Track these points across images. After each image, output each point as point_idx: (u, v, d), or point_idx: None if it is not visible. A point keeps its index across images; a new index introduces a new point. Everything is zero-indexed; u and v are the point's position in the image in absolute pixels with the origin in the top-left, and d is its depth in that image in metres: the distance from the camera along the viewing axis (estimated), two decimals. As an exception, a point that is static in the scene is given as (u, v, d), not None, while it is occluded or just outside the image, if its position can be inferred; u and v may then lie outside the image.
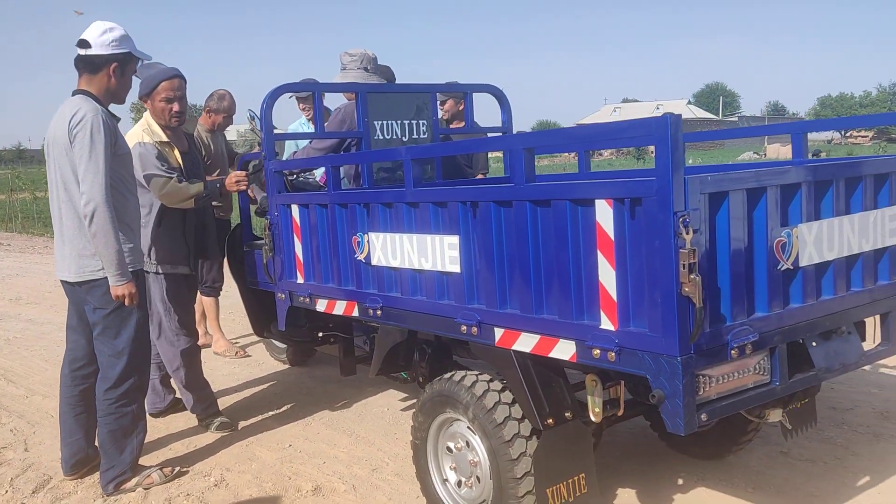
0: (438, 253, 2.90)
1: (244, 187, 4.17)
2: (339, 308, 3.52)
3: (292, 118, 6.14)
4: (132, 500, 3.49)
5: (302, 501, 3.43)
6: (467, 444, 2.95)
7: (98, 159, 3.25)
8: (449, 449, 3.06)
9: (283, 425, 4.38)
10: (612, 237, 2.26)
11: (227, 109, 5.41)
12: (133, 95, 3.91)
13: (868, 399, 4.33)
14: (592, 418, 2.71)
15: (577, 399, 2.83)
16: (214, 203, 4.73)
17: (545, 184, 2.54)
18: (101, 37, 3.37)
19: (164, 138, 4.01)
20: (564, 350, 2.47)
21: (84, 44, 3.37)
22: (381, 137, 4.17)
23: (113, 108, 3.54)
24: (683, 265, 2.05)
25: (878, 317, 2.77)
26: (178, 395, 4.51)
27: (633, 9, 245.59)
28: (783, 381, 2.38)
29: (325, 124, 4.25)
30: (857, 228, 2.57)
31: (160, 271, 4.07)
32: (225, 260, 4.84)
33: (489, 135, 4.79)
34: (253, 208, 4.61)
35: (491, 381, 2.86)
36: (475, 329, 2.79)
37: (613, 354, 2.29)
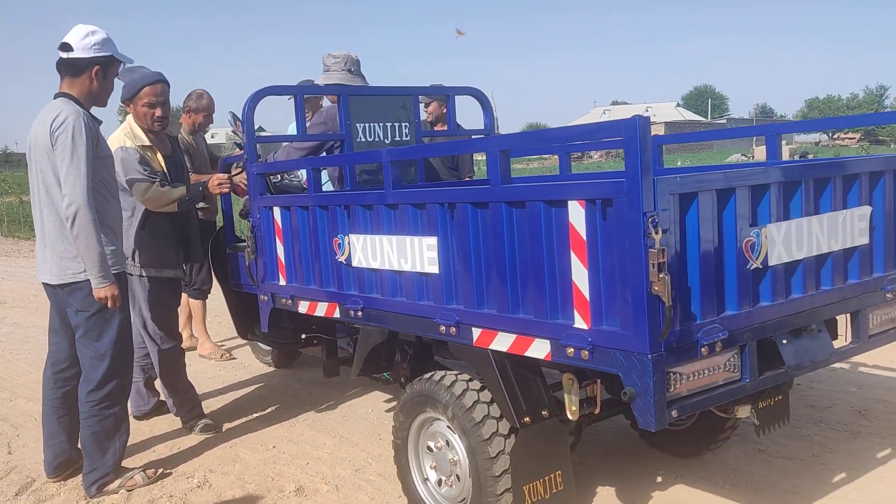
0: (417, 254, 2.93)
1: (227, 189, 4.18)
2: (321, 309, 3.54)
3: (289, 119, 6.15)
4: (115, 501, 3.50)
5: (284, 502, 3.45)
6: (447, 443, 2.98)
7: (80, 162, 3.26)
8: (429, 448, 3.09)
9: (267, 427, 4.39)
10: (585, 237, 2.29)
11: (206, 108, 5.40)
12: (117, 98, 3.93)
13: (846, 397, 4.39)
14: (569, 416, 2.75)
15: (555, 398, 2.87)
16: (200, 205, 4.75)
17: (520, 185, 2.57)
18: (83, 40, 3.38)
19: (147, 142, 4.02)
20: (540, 349, 2.51)
21: (66, 47, 3.38)
22: (363, 140, 4.20)
23: (97, 110, 3.55)
24: (653, 264, 2.08)
25: (848, 315, 2.82)
26: (161, 397, 4.52)
27: (623, 12, 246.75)
28: (753, 378, 2.43)
29: (308, 126, 4.27)
30: (826, 228, 2.61)
31: (144, 274, 4.08)
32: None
33: (472, 137, 4.82)
34: (237, 210, 4.63)
35: (470, 380, 2.89)
36: (454, 329, 2.82)
37: (587, 353, 2.32)
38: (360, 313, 3.28)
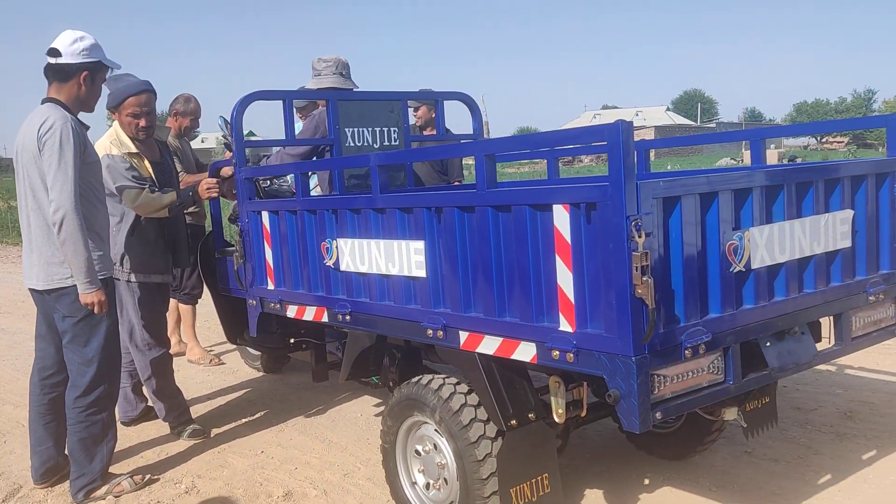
0: (405, 258, 2.94)
1: (215, 194, 4.18)
2: (309, 314, 3.55)
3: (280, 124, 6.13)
4: (102, 507, 3.50)
5: (272, 507, 3.45)
6: (435, 446, 2.99)
7: (67, 167, 3.25)
8: (417, 452, 3.09)
9: (255, 432, 4.39)
10: (570, 241, 2.31)
11: (192, 112, 5.40)
12: (105, 103, 3.92)
13: (832, 399, 4.42)
14: (556, 419, 2.76)
15: (542, 400, 2.88)
16: (189, 209, 4.74)
17: (506, 189, 2.59)
18: (71, 45, 3.38)
19: (133, 149, 4.01)
20: (526, 352, 2.52)
21: (54, 52, 3.38)
22: (352, 144, 4.21)
23: (85, 115, 3.55)
24: (636, 267, 2.10)
25: (831, 317, 2.84)
26: (149, 403, 4.51)
27: (613, 16, 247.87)
28: (737, 380, 2.45)
29: (301, 130, 4.28)
30: (809, 232, 2.64)
31: (132, 279, 4.07)
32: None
33: (460, 141, 4.84)
34: (226, 214, 4.63)
35: (457, 384, 2.90)
36: (441, 333, 2.83)
37: (572, 355, 2.34)
38: (348, 317, 3.29)
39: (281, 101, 4.11)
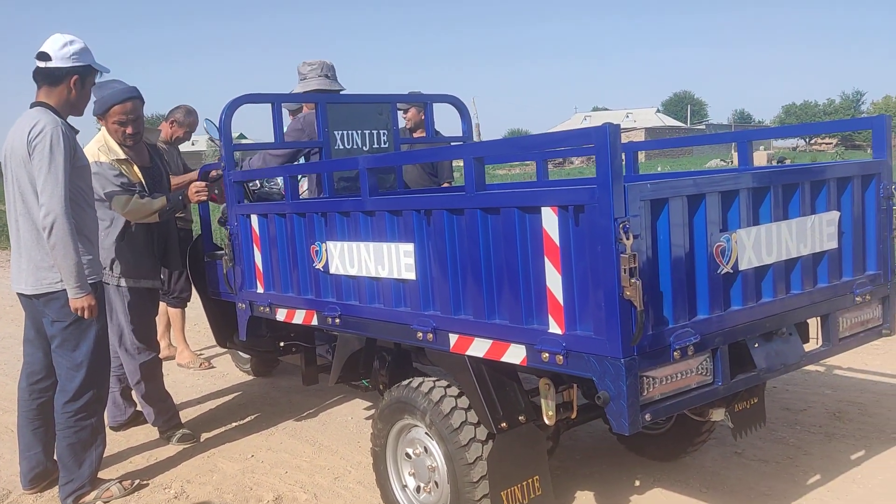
0: (395, 261, 2.94)
1: (204, 198, 4.17)
2: (299, 317, 3.54)
3: (261, 126, 6.15)
4: (91, 513, 3.47)
5: (263, 511, 3.44)
6: (425, 449, 2.99)
7: (57, 171, 3.24)
8: (408, 455, 3.09)
9: (245, 436, 4.37)
10: (558, 243, 2.32)
11: (190, 125, 5.45)
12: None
13: (821, 400, 4.45)
14: (546, 421, 2.77)
15: (533, 403, 2.88)
16: (178, 214, 4.72)
17: (494, 192, 2.60)
18: (61, 49, 3.36)
19: (122, 155, 3.98)
20: (515, 354, 2.53)
21: (44, 56, 3.35)
22: (341, 147, 4.20)
23: (74, 119, 3.53)
24: (624, 269, 2.11)
25: (819, 318, 2.86)
26: (138, 407, 4.48)
27: (604, 19, 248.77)
28: (725, 381, 2.46)
29: (285, 132, 4.27)
30: (796, 233, 2.66)
31: (122, 284, 4.05)
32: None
33: (450, 144, 4.85)
34: (215, 218, 4.61)
35: (448, 386, 2.90)
36: (431, 335, 2.83)
37: (561, 357, 2.34)
38: (337, 320, 3.28)
39: (270, 105, 4.10)
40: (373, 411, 4.60)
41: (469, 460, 2.73)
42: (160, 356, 4.38)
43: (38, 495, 3.67)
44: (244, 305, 3.92)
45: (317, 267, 3.36)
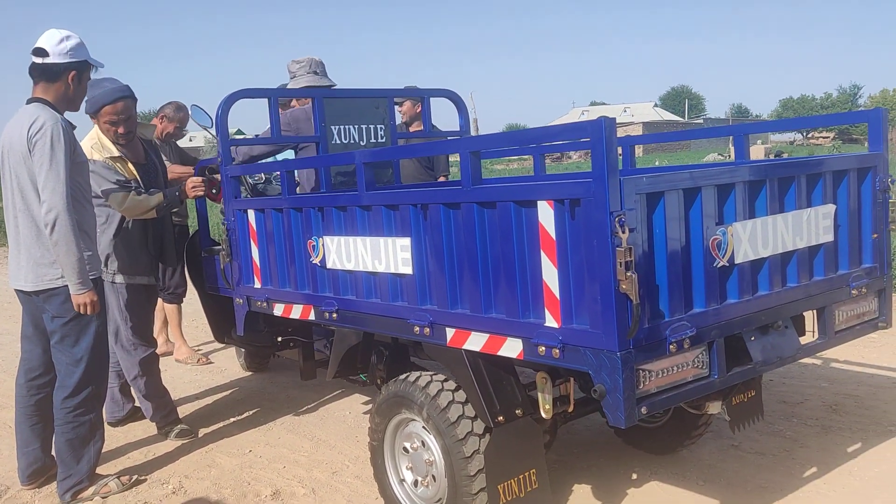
0: (391, 255, 2.94)
1: (201, 193, 4.16)
2: (296, 312, 3.54)
3: (257, 122, 6.15)
4: (89, 508, 3.48)
5: (261, 506, 3.45)
6: (423, 443, 2.99)
7: (59, 167, 3.24)
8: (405, 449, 3.09)
9: (243, 431, 4.38)
10: (554, 237, 2.32)
11: (180, 121, 5.43)
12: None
13: (818, 393, 4.46)
14: (543, 415, 2.77)
15: (530, 396, 2.89)
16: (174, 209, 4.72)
17: (491, 186, 2.60)
18: (58, 45, 3.35)
19: (116, 153, 3.97)
20: (512, 348, 2.53)
21: (41, 52, 3.34)
22: (338, 142, 4.20)
23: (70, 114, 3.52)
24: (620, 263, 2.11)
25: (814, 311, 2.86)
26: (136, 403, 4.48)
27: (602, 13, 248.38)
28: (721, 374, 2.46)
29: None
30: (792, 226, 2.66)
31: (117, 281, 4.05)
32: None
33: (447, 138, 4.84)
34: (212, 214, 4.61)
35: (445, 381, 2.90)
36: (428, 330, 2.84)
37: (557, 351, 2.35)
38: (335, 315, 3.29)
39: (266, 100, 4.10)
40: (370, 406, 4.61)
41: (466, 454, 2.74)
42: (158, 352, 4.38)
43: (35, 491, 3.67)
44: (242, 301, 3.92)
45: (314, 262, 3.36)
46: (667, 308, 2.33)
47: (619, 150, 2.91)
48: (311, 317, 3.45)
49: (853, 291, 2.90)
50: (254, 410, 4.72)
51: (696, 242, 2.39)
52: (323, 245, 3.28)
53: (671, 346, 2.29)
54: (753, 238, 2.53)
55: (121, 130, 3.94)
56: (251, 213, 3.73)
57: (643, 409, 2.25)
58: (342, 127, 4.22)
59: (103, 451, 3.72)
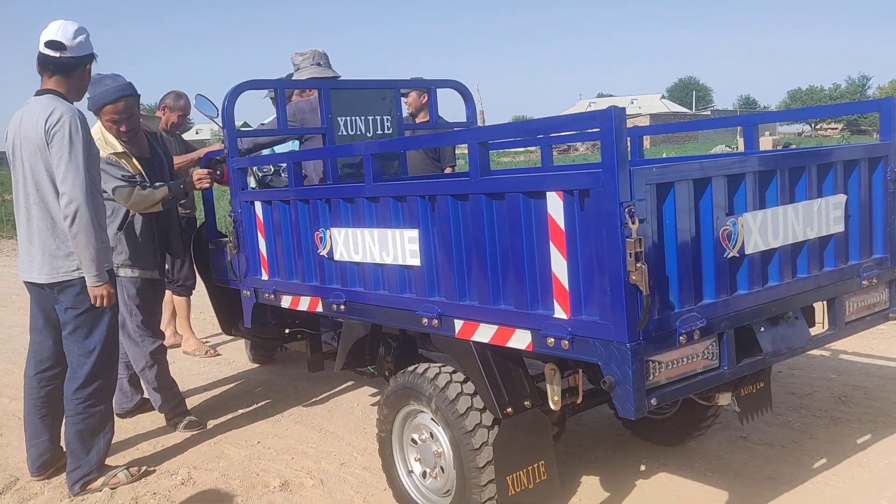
0: (399, 247, 2.93)
1: (207, 185, 4.16)
2: (304, 304, 3.54)
3: (266, 114, 6.14)
4: (98, 500, 3.49)
5: (269, 497, 3.45)
6: (431, 435, 2.99)
7: (78, 159, 3.25)
8: (413, 440, 3.09)
9: (252, 423, 4.39)
10: (563, 228, 2.31)
11: (182, 108, 5.41)
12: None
13: (827, 384, 4.44)
14: (552, 406, 2.77)
15: (538, 388, 2.88)
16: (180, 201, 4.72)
17: (499, 177, 2.58)
18: (74, 39, 3.34)
19: (119, 149, 3.96)
20: (521, 339, 2.52)
21: (59, 46, 3.31)
22: (344, 133, 4.19)
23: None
24: (630, 254, 2.10)
25: (825, 302, 2.85)
26: (145, 394, 4.50)
27: (608, 4, 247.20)
28: (731, 365, 2.45)
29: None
30: (802, 217, 2.64)
31: (121, 275, 4.05)
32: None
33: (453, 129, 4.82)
34: (219, 206, 4.61)
35: (453, 372, 2.90)
36: (436, 321, 2.83)
37: (567, 342, 2.34)
38: (342, 307, 3.28)
39: (268, 92, 4.09)
40: (378, 398, 4.62)
41: (475, 446, 2.74)
42: (165, 344, 4.39)
43: (45, 482, 3.69)
44: (249, 293, 3.93)
45: (321, 254, 3.36)
46: (676, 299, 2.31)
47: (628, 141, 2.88)
48: (319, 309, 3.45)
49: (863, 282, 2.88)
50: (262, 402, 4.74)
51: (707, 233, 2.37)
52: (330, 237, 3.27)
53: (681, 338, 2.28)
54: (764, 229, 2.51)
55: (123, 129, 3.94)
56: (258, 205, 3.73)
57: (653, 401, 2.24)
58: (349, 118, 4.21)
59: (112, 442, 3.73)
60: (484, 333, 2.66)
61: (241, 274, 3.94)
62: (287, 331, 4.43)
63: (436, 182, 2.81)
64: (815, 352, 4.78)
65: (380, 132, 4.32)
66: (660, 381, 2.29)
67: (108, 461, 3.68)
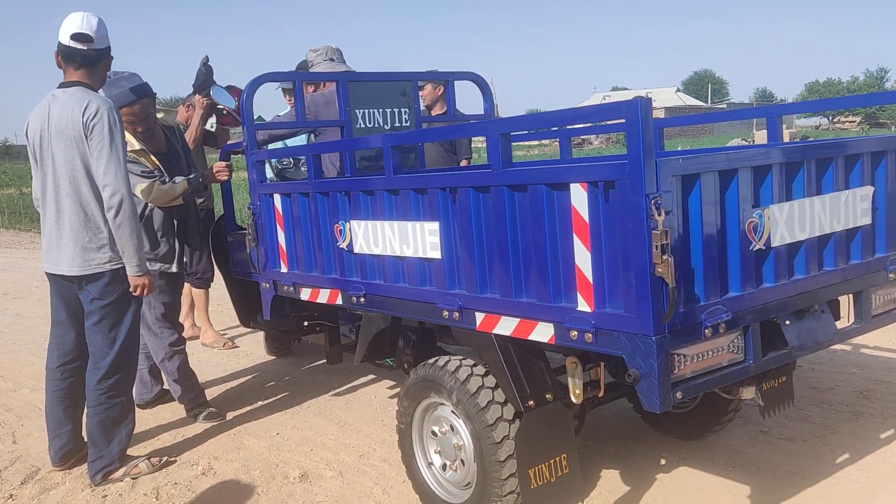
0: (419, 239, 2.92)
1: (226, 177, 4.18)
2: (323, 296, 3.54)
3: (278, 108, 6.14)
4: (120, 489, 3.52)
5: (289, 488, 3.47)
6: (451, 427, 2.99)
7: (118, 151, 3.28)
8: (434, 433, 3.09)
9: (270, 414, 4.41)
10: (587, 220, 2.29)
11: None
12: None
13: (848, 379, 4.40)
14: (573, 400, 2.75)
15: (559, 381, 2.87)
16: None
17: (522, 169, 2.56)
18: (98, 30, 3.36)
19: (137, 146, 3.97)
20: (543, 332, 2.51)
21: (86, 38, 3.32)
22: (363, 126, 4.18)
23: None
24: (656, 246, 2.08)
25: (851, 295, 2.81)
26: (165, 385, 4.53)
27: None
28: (757, 359, 2.42)
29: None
30: (829, 209, 2.61)
31: None
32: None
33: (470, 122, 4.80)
34: (238, 198, 4.62)
35: (474, 365, 2.89)
36: (457, 314, 2.82)
37: (590, 335, 2.32)
38: (362, 299, 3.28)
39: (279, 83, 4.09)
40: (396, 390, 4.63)
41: (496, 439, 2.73)
42: (184, 336, 4.42)
43: (67, 472, 3.72)
44: (268, 285, 3.93)
45: (341, 246, 3.35)
46: (702, 292, 2.29)
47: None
48: (339, 301, 3.45)
49: (890, 275, 2.84)
50: (280, 394, 4.75)
51: (732, 225, 2.35)
52: (350, 229, 3.27)
53: (706, 331, 2.25)
54: (790, 221, 2.48)
55: (139, 129, 3.97)
56: (277, 198, 3.73)
57: (678, 394, 2.22)
58: (367, 111, 4.20)
59: (133, 433, 3.76)
60: (505, 326, 2.65)
61: (260, 266, 3.95)
62: (305, 323, 4.43)
63: (457, 174, 2.79)
64: (835, 346, 4.73)
65: (398, 125, 4.31)
66: (685, 374, 2.27)
67: (130, 451, 3.71)
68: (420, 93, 5.54)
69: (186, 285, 5.49)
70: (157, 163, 4.04)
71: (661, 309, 2.13)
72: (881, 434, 3.62)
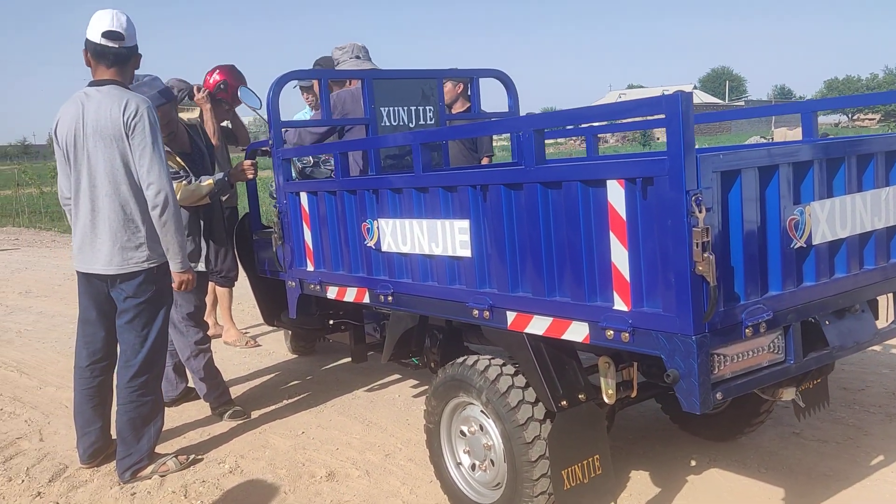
0: (449, 238, 2.90)
1: (251, 176, 4.17)
2: (350, 295, 3.53)
3: (297, 108, 6.15)
4: (148, 487, 3.52)
5: (316, 487, 3.46)
6: (481, 427, 2.96)
7: (159, 149, 3.31)
8: (462, 433, 3.06)
9: (295, 413, 4.40)
10: (625, 217, 2.25)
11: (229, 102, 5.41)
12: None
13: (880, 379, 4.33)
14: (606, 400, 2.72)
15: (590, 381, 2.84)
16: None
17: (556, 165, 2.53)
18: (129, 28, 3.37)
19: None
20: (577, 332, 2.48)
21: (118, 36, 3.32)
22: (387, 124, 4.16)
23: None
24: (697, 244, 2.04)
25: (891, 295, 2.76)
26: (190, 384, 4.54)
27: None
28: (797, 359, 2.38)
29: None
30: (870, 206, 2.56)
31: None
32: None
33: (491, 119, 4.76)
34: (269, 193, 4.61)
35: (504, 365, 2.86)
36: (487, 313, 2.79)
37: (627, 335, 2.29)
38: (390, 298, 3.26)
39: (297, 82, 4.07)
40: (420, 389, 4.61)
41: (527, 440, 2.70)
42: (208, 334, 4.42)
43: (95, 470, 3.73)
44: (294, 283, 3.92)
45: (368, 245, 3.34)
46: (742, 291, 2.25)
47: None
48: (366, 300, 3.43)
49: None
50: (304, 393, 4.75)
51: (773, 223, 2.30)
52: (378, 228, 3.25)
53: (747, 330, 2.21)
54: (831, 218, 2.43)
55: (163, 133, 3.96)
56: (304, 196, 3.72)
57: (718, 395, 2.18)
58: (391, 108, 4.18)
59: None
60: (538, 325, 2.62)
61: (287, 265, 3.94)
62: (331, 322, 4.42)
63: (487, 171, 2.77)
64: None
65: (422, 123, 4.29)
66: (724, 374, 2.23)
67: (158, 449, 3.72)
68: None
69: (210, 284, 5.50)
70: (182, 163, 4.05)
71: (702, 308, 2.09)
72: (916, 436, 3.56)
